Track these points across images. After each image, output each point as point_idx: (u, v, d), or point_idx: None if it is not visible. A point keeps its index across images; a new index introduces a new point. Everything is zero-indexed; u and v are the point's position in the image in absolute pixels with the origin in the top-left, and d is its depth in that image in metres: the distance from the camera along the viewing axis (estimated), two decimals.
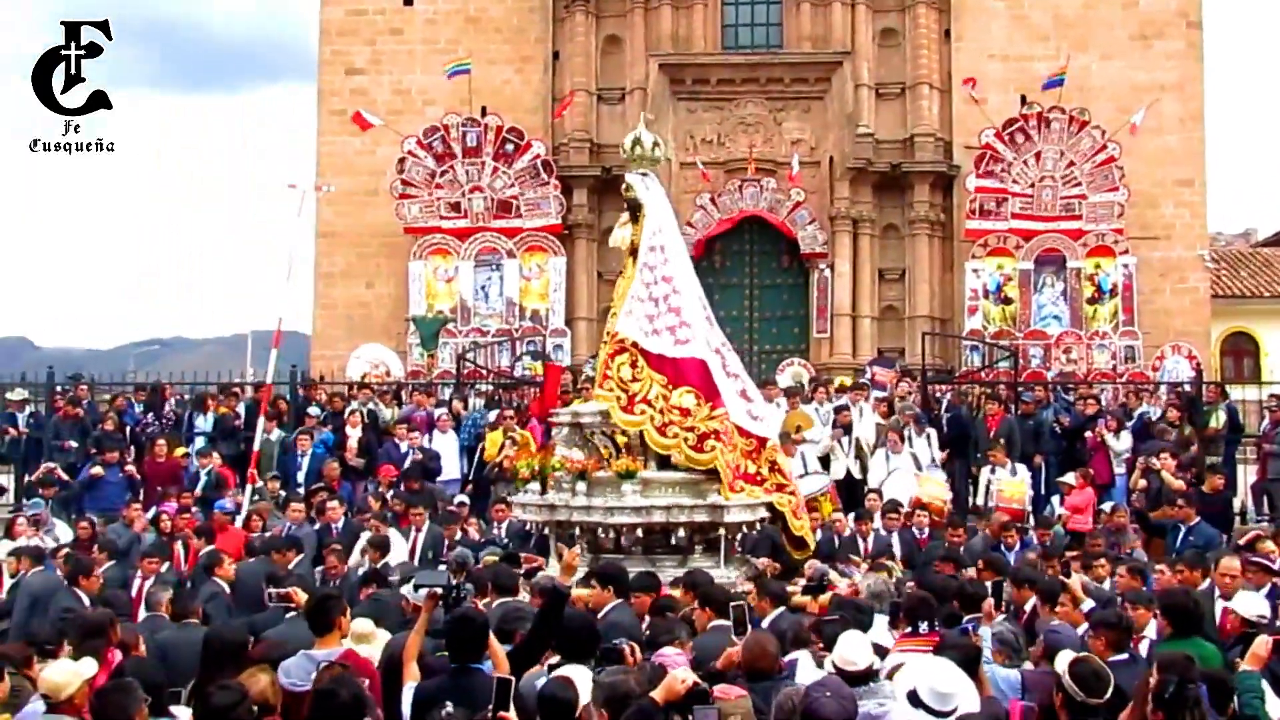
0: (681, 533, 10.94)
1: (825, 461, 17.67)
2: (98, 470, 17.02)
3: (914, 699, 6.21)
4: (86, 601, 10.71)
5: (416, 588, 7.88)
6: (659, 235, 11.46)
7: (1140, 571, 10.24)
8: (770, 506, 11.30)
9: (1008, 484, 16.20)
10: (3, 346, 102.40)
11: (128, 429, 19.17)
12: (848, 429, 17.97)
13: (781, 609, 8.91)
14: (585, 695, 6.09)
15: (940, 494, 16.09)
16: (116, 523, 15.08)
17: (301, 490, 16.68)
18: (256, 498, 15.90)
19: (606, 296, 28.60)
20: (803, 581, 10.50)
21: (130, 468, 17.51)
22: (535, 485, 11.35)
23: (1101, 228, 26.31)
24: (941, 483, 16.53)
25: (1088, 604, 9.44)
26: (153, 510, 15.83)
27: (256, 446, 16.93)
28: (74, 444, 18.42)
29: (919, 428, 17.64)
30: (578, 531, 11.08)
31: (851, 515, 15.14)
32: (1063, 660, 6.32)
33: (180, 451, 18.12)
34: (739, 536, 12.22)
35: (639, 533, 11.04)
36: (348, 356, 26.19)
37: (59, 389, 20.56)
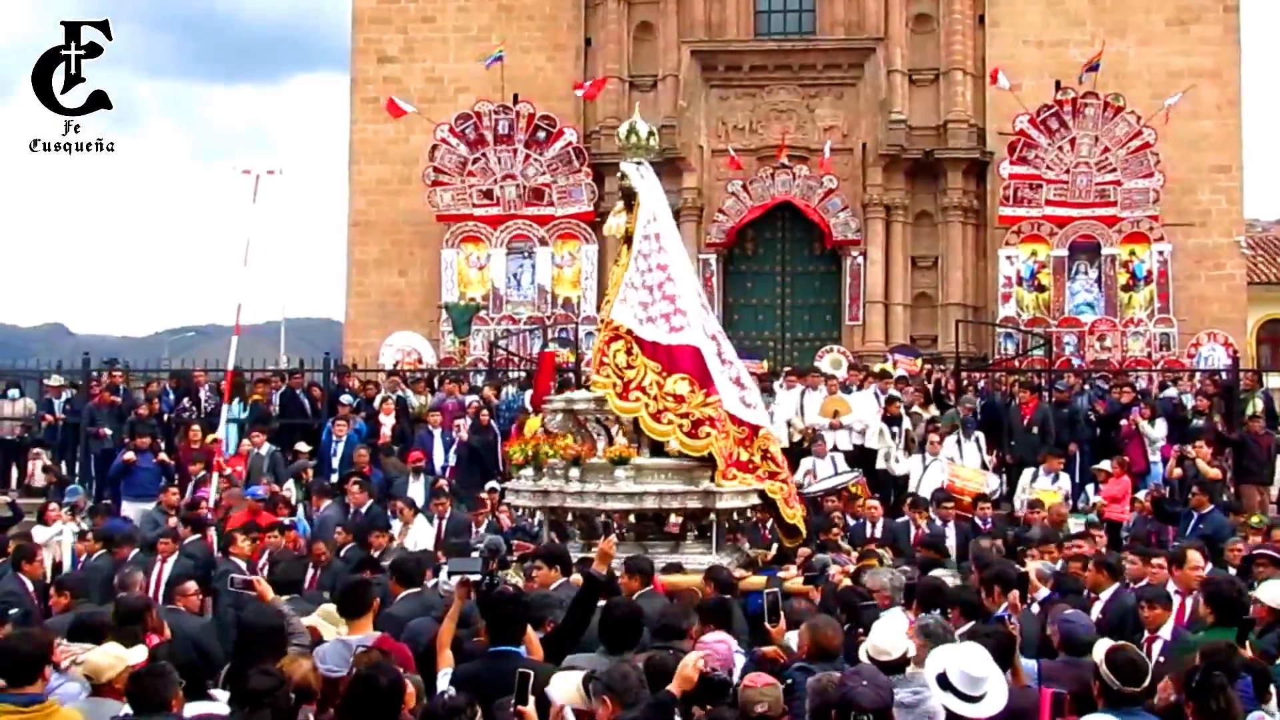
0: (674, 518, 10.98)
1: (860, 456, 17.53)
2: (130, 456, 17.11)
3: (943, 681, 6.20)
4: (30, 587, 10.84)
5: (450, 574, 7.90)
6: (654, 224, 11.54)
7: (1109, 564, 10.06)
8: (762, 494, 11.32)
9: (1043, 493, 15.69)
10: (39, 333, 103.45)
11: (164, 416, 19.31)
12: (896, 420, 17.73)
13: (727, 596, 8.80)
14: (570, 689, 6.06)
15: (973, 482, 15.91)
16: (152, 508, 15.23)
17: (336, 477, 16.78)
18: (226, 485, 15.90)
19: None
20: (793, 568, 10.56)
21: (163, 455, 17.61)
22: (529, 471, 11.40)
23: (1136, 214, 26.09)
24: (977, 472, 16.32)
25: (1043, 591, 9.44)
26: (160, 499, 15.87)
27: (220, 434, 16.86)
28: (109, 431, 18.55)
29: (966, 431, 17.37)
30: (570, 518, 11.19)
31: (907, 503, 15.12)
32: (1100, 649, 6.28)
33: (211, 438, 18.23)
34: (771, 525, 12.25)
35: (631, 519, 11.09)
36: (380, 344, 26.30)
37: (95, 375, 20.72)
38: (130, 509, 15.95)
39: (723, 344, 11.80)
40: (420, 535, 13.92)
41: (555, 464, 11.20)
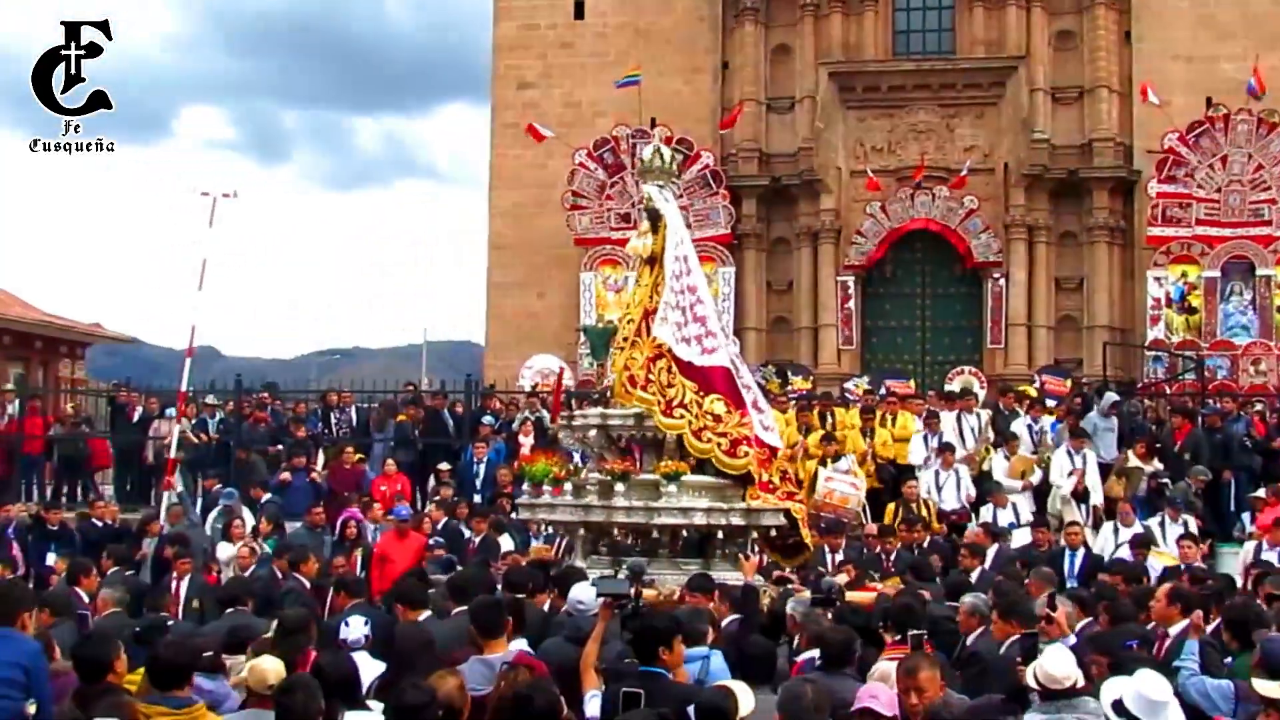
0: (720, 535, 11.15)
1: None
2: (285, 476, 17.58)
3: (1119, 708, 6.10)
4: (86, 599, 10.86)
5: (598, 595, 7.96)
6: (681, 246, 11.81)
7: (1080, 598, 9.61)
8: (786, 513, 11.49)
9: (1158, 554, 13.89)
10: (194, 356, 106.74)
11: (313, 436, 19.78)
12: (1084, 497, 16.39)
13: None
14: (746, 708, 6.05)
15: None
16: (300, 526, 15.56)
17: (478, 498, 17.00)
18: (175, 502, 16.22)
19: (776, 306, 28.74)
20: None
21: (315, 474, 18.01)
22: (568, 486, 11.54)
23: None
24: (1175, 559, 13.83)
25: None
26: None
27: (172, 454, 17.07)
28: (279, 446, 19.05)
29: (1174, 513, 15.01)
30: (616, 532, 11.34)
31: None
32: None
33: (359, 457, 18.60)
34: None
35: (654, 535, 11.20)
36: (519, 366, 26.60)
37: (248, 396, 21.32)
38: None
39: (740, 368, 12.06)
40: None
41: (591, 480, 11.32)
